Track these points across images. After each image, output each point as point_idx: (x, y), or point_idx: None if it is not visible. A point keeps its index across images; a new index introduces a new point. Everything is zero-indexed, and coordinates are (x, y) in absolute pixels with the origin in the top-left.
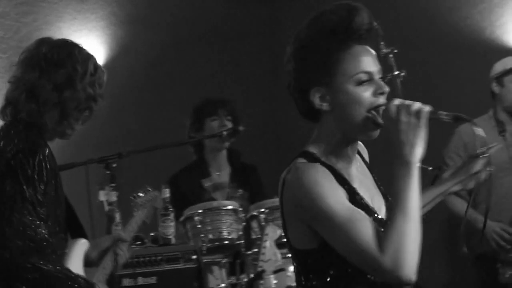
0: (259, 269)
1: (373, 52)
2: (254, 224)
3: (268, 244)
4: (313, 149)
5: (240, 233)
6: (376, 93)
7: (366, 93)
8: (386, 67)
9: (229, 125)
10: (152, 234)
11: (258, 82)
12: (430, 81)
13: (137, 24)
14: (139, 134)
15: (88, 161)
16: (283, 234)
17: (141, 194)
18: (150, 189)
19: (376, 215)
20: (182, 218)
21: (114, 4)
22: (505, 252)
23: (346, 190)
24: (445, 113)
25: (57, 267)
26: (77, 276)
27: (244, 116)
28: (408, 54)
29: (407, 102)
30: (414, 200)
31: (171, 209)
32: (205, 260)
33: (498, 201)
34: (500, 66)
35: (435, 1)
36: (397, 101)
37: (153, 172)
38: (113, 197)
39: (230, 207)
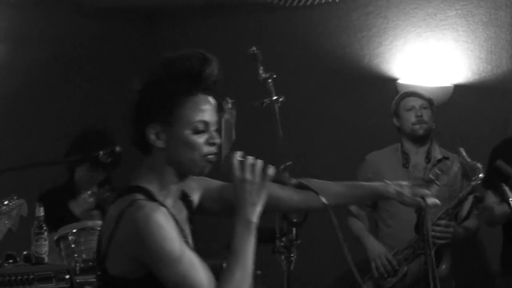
0: None
1: (214, 102)
2: None
3: None
4: (147, 185)
5: None
6: (207, 142)
7: (199, 140)
8: (264, 92)
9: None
10: (25, 252)
11: None
12: (308, 106)
13: (14, 41)
14: (13, 152)
15: None
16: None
17: (6, 202)
18: (15, 197)
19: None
20: (56, 237)
21: None
22: (383, 279)
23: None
24: (289, 177)
25: None
26: None
27: (119, 137)
28: (286, 79)
29: (251, 159)
30: (250, 256)
31: (45, 228)
32: (78, 280)
33: (399, 230)
34: (395, 100)
35: (315, 27)
36: (240, 156)
37: (26, 190)
38: None
39: None
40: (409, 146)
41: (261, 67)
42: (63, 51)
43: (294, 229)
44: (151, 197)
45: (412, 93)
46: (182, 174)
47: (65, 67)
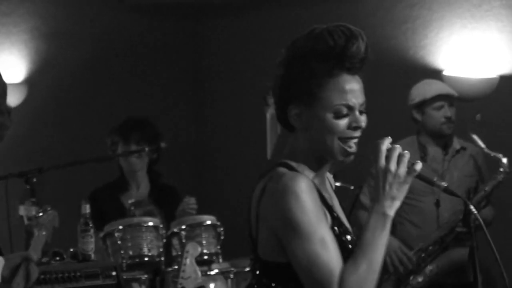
0: (179, 286)
1: (360, 83)
2: (175, 241)
3: (189, 261)
4: (291, 163)
5: (161, 250)
6: (351, 126)
7: (341, 124)
8: None
9: (142, 148)
10: (71, 250)
11: (181, 99)
12: None
13: (59, 38)
14: (60, 149)
15: (8, 176)
16: (204, 251)
17: (41, 214)
18: (49, 209)
19: (352, 237)
20: (102, 234)
21: (37, 18)
22: (404, 275)
23: (328, 211)
24: (436, 179)
25: None
26: None
27: (166, 132)
28: None
29: (399, 150)
30: (381, 252)
31: (91, 225)
32: (125, 277)
33: (417, 226)
34: (418, 95)
35: (360, 20)
36: (388, 144)
37: (73, 187)
38: (33, 212)
39: (151, 223)
40: (426, 138)
41: None
42: (109, 48)
43: None
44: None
45: (446, 95)
46: (325, 158)
47: (110, 64)
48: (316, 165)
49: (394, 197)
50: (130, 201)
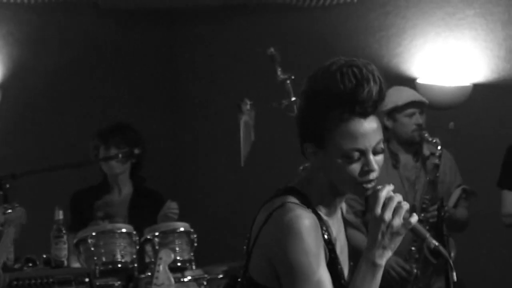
0: None
1: (375, 122)
2: (148, 248)
3: (162, 268)
4: (304, 189)
5: (134, 256)
6: (363, 171)
7: (353, 170)
8: (283, 93)
9: (121, 151)
10: (44, 256)
11: (156, 104)
12: None
13: (33, 44)
14: (34, 155)
15: None
16: (177, 258)
17: (9, 211)
18: (17, 205)
19: (342, 281)
20: (75, 241)
21: (11, 23)
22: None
23: (328, 249)
24: (430, 235)
25: None
26: None
27: (141, 138)
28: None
29: (398, 200)
30: None
31: (64, 231)
32: (98, 283)
33: None
34: (390, 101)
35: (333, 28)
36: (388, 192)
37: (47, 193)
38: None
39: (124, 230)
40: (397, 146)
41: (280, 68)
42: (83, 53)
43: None
44: (305, 202)
45: (418, 102)
46: (339, 192)
47: (85, 69)
48: (331, 196)
49: (385, 247)
50: (95, 205)
